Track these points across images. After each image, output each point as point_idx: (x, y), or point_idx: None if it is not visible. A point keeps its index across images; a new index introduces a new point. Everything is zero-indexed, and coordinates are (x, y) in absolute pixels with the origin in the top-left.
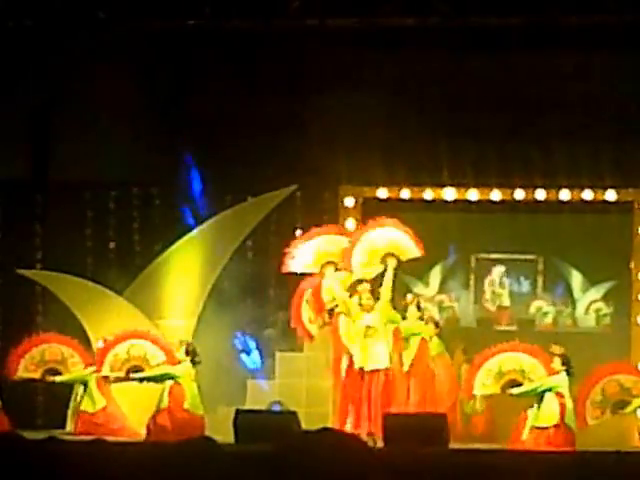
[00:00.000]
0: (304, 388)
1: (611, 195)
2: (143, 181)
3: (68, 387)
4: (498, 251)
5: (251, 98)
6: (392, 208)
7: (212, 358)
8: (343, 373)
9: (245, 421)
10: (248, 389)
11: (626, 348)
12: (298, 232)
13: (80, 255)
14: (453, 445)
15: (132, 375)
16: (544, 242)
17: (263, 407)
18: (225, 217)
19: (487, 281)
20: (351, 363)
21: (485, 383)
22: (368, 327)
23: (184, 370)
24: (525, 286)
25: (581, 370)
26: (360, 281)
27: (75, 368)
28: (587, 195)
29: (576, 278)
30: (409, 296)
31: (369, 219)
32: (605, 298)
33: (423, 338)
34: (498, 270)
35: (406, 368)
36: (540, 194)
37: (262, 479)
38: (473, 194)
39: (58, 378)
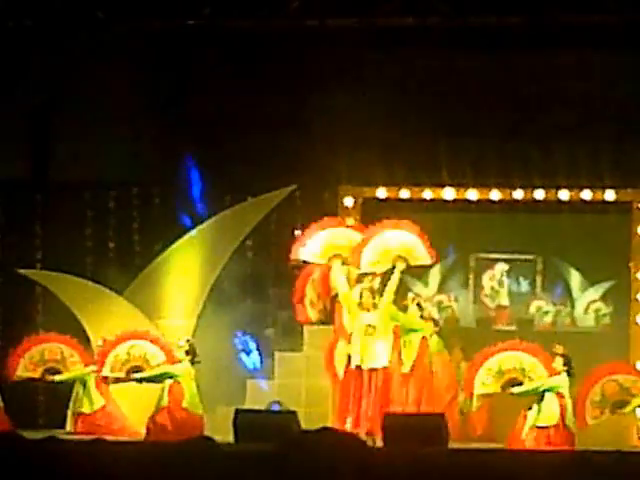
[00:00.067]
0: (303, 388)
1: (610, 195)
2: (143, 181)
3: (68, 387)
4: (497, 251)
5: (251, 98)
6: (391, 208)
7: (212, 358)
8: (341, 372)
9: (245, 421)
10: (247, 389)
11: (625, 348)
12: (297, 232)
13: (80, 255)
14: (452, 445)
15: (132, 375)
16: (543, 242)
17: (263, 407)
18: (225, 217)
19: (487, 276)
20: (349, 362)
21: (485, 382)
22: (368, 325)
23: (184, 369)
24: (524, 286)
25: (580, 370)
26: (365, 274)
27: (75, 367)
28: (586, 195)
29: (575, 278)
30: (410, 295)
31: (368, 219)
32: (604, 298)
33: (424, 337)
34: (500, 267)
35: (408, 368)
36: (539, 194)
37: (262, 478)
38: (472, 194)
39: (58, 377)
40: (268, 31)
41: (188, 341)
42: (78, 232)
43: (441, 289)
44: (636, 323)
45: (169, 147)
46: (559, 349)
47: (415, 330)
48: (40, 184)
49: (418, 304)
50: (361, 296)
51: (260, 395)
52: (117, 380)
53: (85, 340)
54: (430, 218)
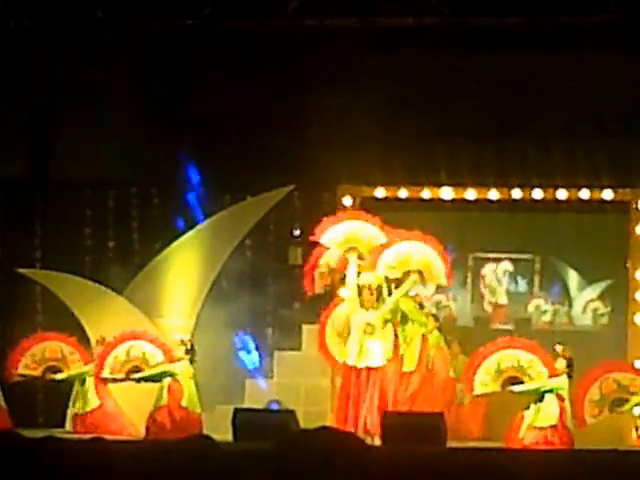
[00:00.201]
0: (302, 387)
1: (608, 195)
2: (142, 180)
3: (68, 385)
4: (495, 250)
5: (250, 98)
6: (390, 207)
7: (211, 357)
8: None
9: (243, 420)
10: (246, 388)
11: (623, 347)
12: (296, 232)
13: (80, 254)
14: (449, 443)
15: (132, 376)
16: (541, 241)
17: (261, 406)
18: (224, 216)
19: (485, 275)
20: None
21: (484, 382)
22: (368, 324)
23: (183, 368)
24: (522, 285)
25: (578, 369)
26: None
27: (75, 365)
28: (584, 195)
29: (573, 277)
30: (410, 294)
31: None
32: (602, 297)
33: (424, 335)
34: (498, 267)
35: (409, 367)
36: (537, 193)
37: (261, 477)
38: (471, 193)
39: (58, 376)
40: (267, 31)
41: (188, 340)
42: (78, 231)
43: (439, 289)
44: (634, 322)
45: (168, 147)
46: (562, 350)
47: (418, 323)
48: (40, 183)
49: (419, 304)
50: (360, 293)
51: (259, 394)
52: (116, 380)
53: (85, 339)
54: (428, 217)
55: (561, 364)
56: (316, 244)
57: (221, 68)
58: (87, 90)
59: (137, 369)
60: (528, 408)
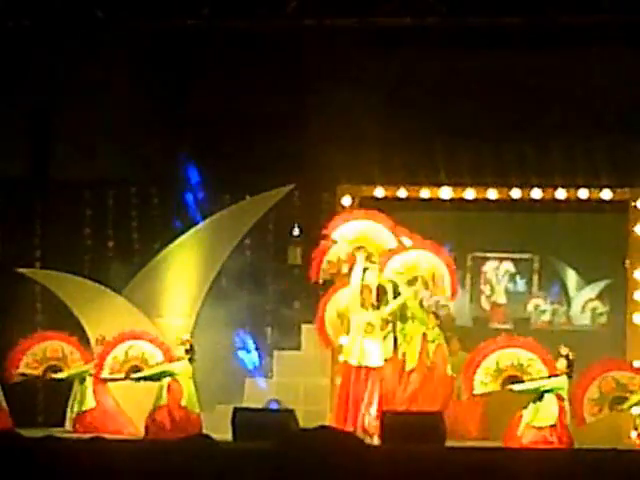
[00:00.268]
0: (302, 386)
1: (607, 194)
2: (142, 180)
3: (68, 385)
4: (494, 250)
5: (249, 98)
6: (389, 207)
7: (210, 356)
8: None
9: (243, 419)
10: (246, 387)
11: (622, 346)
12: (296, 231)
13: (79, 254)
14: (448, 443)
15: (132, 375)
16: (540, 241)
17: (261, 405)
18: (223, 216)
19: (484, 274)
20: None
21: (484, 381)
22: (368, 324)
23: (182, 367)
24: (521, 285)
25: (577, 369)
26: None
27: (75, 365)
28: (583, 194)
29: (572, 277)
30: None
31: None
32: (601, 297)
33: (425, 334)
34: (497, 266)
35: (410, 366)
36: (536, 193)
37: (260, 476)
38: (469, 193)
39: (59, 375)
40: (267, 31)
41: (187, 340)
42: (77, 231)
43: None
44: (632, 322)
45: (168, 146)
46: (564, 350)
47: (419, 321)
48: (39, 183)
49: (420, 303)
50: (361, 292)
51: (258, 393)
52: (115, 380)
53: (85, 339)
54: (427, 217)
55: (562, 364)
56: (319, 241)
57: (221, 68)
58: (87, 90)
59: (137, 369)
60: (526, 407)
